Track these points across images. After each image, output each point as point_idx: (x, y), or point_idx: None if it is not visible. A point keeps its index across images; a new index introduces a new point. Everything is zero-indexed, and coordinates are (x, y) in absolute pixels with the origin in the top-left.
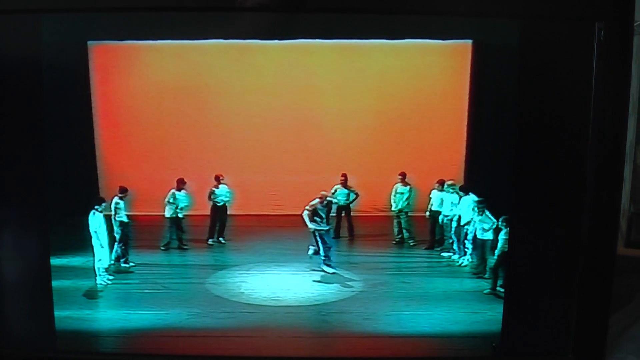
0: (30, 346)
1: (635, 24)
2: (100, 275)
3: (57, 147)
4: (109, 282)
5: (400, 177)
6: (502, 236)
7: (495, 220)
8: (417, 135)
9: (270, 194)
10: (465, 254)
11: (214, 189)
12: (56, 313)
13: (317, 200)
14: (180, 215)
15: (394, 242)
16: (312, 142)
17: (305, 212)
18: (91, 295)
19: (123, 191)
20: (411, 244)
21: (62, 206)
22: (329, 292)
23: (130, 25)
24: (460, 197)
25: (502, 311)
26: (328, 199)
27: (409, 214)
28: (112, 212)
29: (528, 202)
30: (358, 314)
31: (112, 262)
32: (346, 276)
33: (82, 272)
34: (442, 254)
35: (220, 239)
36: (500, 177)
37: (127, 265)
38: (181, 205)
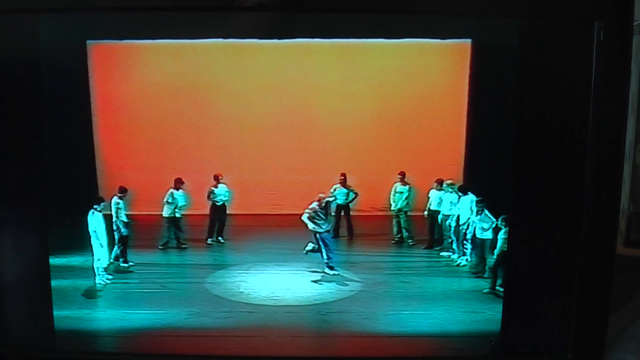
0: (29, 346)
1: (635, 24)
2: (99, 274)
3: (56, 147)
4: (108, 281)
5: (399, 176)
6: (501, 235)
7: (494, 219)
8: (416, 134)
9: (270, 194)
10: (464, 254)
11: (213, 188)
12: (55, 312)
13: (316, 203)
14: (178, 215)
15: (393, 242)
16: (311, 142)
17: (305, 215)
18: (90, 294)
19: (123, 191)
20: (410, 243)
21: (61, 206)
22: (328, 291)
23: (129, 24)
24: (460, 197)
25: (501, 311)
26: (326, 199)
27: (408, 213)
28: (114, 213)
29: (527, 201)
30: (357, 314)
31: (112, 260)
32: (345, 276)
33: (81, 271)
34: (441, 254)
35: (220, 238)
36: (499, 177)
37: (126, 265)
38: (179, 204)
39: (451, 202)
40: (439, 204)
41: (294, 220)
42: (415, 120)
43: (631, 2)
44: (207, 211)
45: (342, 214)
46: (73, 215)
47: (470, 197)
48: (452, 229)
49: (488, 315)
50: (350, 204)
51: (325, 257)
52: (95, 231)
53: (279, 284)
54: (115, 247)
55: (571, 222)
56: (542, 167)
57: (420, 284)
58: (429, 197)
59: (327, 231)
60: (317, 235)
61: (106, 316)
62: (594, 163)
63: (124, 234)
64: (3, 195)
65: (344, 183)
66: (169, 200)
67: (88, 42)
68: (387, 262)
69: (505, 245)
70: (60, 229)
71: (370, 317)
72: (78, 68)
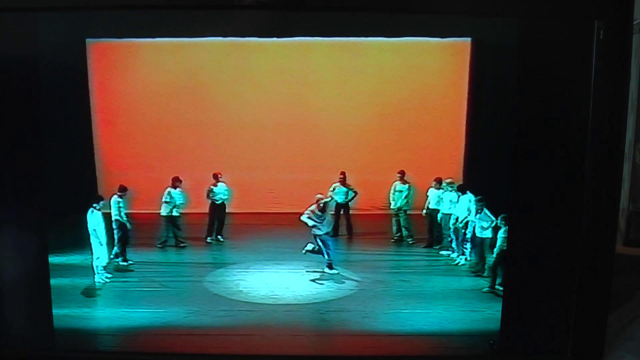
0: (28, 344)
1: (634, 23)
2: (98, 273)
3: (55, 145)
4: (107, 280)
5: (399, 175)
6: (501, 234)
7: (494, 218)
8: (416, 133)
9: (269, 192)
10: (463, 253)
11: (212, 187)
12: (54, 311)
13: (314, 206)
14: (176, 214)
15: (393, 241)
16: (311, 140)
17: (305, 216)
18: (89, 293)
19: (123, 190)
20: (410, 242)
21: (61, 204)
22: (328, 290)
23: (128, 23)
24: (459, 196)
25: (500, 310)
26: (323, 200)
27: (408, 212)
28: (117, 211)
29: (527, 200)
30: (356, 312)
31: (112, 257)
32: (345, 274)
33: (80, 270)
34: (440, 252)
35: (219, 237)
36: (499, 175)
37: (125, 264)
38: (177, 203)
39: (451, 200)
40: (438, 202)
41: (294, 219)
42: (414, 119)
43: (631, 1)
44: (206, 210)
45: (342, 212)
46: (72, 214)
47: (469, 197)
48: (452, 227)
49: (487, 314)
50: (349, 203)
51: (325, 256)
52: (94, 230)
53: (279, 282)
54: (116, 246)
55: (571, 221)
56: (542, 166)
57: (420, 283)
58: (427, 196)
59: (327, 233)
60: (317, 238)
61: (105, 315)
62: (594, 162)
63: (124, 231)
64: (2, 194)
65: (343, 182)
66: (167, 199)
67: (87, 40)
68: (387, 260)
69: (505, 244)
70: (59, 228)
71: (370, 316)
72: (77, 66)
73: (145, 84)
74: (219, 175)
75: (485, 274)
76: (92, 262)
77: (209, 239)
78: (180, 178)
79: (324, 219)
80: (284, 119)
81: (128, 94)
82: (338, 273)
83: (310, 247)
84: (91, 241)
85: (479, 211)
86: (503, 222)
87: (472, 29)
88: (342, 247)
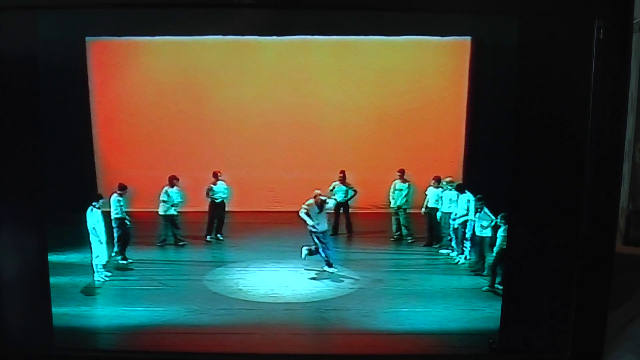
0: (28, 343)
1: (634, 22)
2: (98, 271)
3: (54, 144)
4: (107, 278)
5: (399, 173)
6: (500, 233)
7: (494, 217)
8: (415, 132)
9: (268, 191)
10: (463, 252)
11: (211, 185)
12: (54, 310)
13: (312, 200)
14: (174, 212)
15: (392, 239)
16: (310, 139)
17: (303, 211)
18: (89, 291)
19: (122, 188)
20: (409, 240)
21: (60, 203)
22: (327, 289)
23: (128, 21)
24: (458, 195)
25: (500, 308)
26: (322, 198)
27: (408, 210)
28: (116, 210)
29: (527, 199)
30: (356, 311)
31: (113, 255)
32: (344, 273)
33: (79, 268)
34: (440, 251)
35: (218, 235)
36: (499, 174)
37: (124, 262)
38: (174, 202)
39: (450, 199)
40: (437, 201)
41: (293, 218)
42: (414, 118)
43: (631, 0)
44: (206, 208)
45: (342, 211)
46: (72, 212)
47: (467, 196)
48: (451, 226)
49: (487, 313)
50: (349, 202)
51: (323, 255)
52: (94, 228)
53: (278, 281)
54: (115, 245)
55: (570, 220)
56: (542, 165)
57: (419, 282)
58: (426, 195)
59: (323, 232)
60: (314, 235)
61: (105, 313)
62: (594, 161)
63: (127, 229)
64: (2, 193)
65: (343, 180)
66: (164, 198)
67: (87, 38)
68: (386, 259)
69: (505, 243)
70: (59, 226)
71: (369, 315)
72: (77, 65)
73: (145, 83)
74: (219, 174)
75: (485, 273)
76: (91, 261)
77: (208, 238)
78: (177, 176)
79: (322, 216)
80: (283, 117)
81: (128, 93)
82: (337, 271)
83: (306, 251)
84: (90, 239)
85: (479, 210)
86: (503, 221)
87: (472, 27)
88: (342, 245)
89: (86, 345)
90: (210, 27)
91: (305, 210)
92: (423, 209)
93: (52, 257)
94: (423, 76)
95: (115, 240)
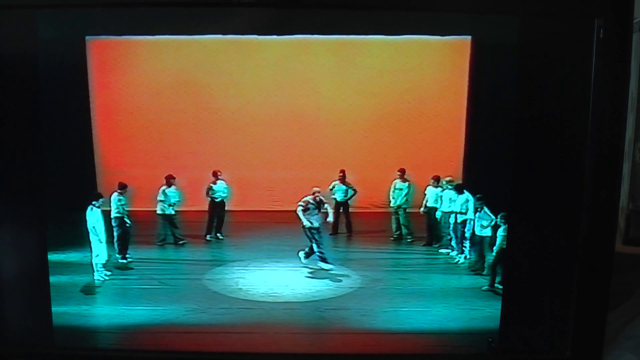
0: (27, 342)
1: (634, 22)
2: (97, 271)
3: (54, 143)
4: (107, 277)
5: (399, 173)
6: (500, 233)
7: (493, 216)
8: (415, 131)
9: (268, 190)
10: (462, 252)
11: (211, 184)
12: (53, 309)
13: (310, 197)
14: (171, 212)
15: (392, 239)
16: (310, 138)
17: (299, 208)
18: (89, 290)
19: (123, 187)
20: (409, 240)
21: (60, 202)
22: (327, 288)
23: (128, 20)
24: (457, 195)
25: (500, 308)
26: (320, 197)
27: (407, 210)
28: (116, 209)
29: (527, 199)
30: (356, 311)
31: (118, 256)
32: (344, 272)
33: (79, 267)
34: (440, 251)
35: (218, 234)
36: (499, 174)
37: (124, 261)
38: (172, 201)
39: (450, 199)
40: (436, 200)
41: (293, 217)
42: (414, 117)
43: (631, 0)
44: (205, 207)
45: (341, 210)
46: (71, 211)
47: (466, 196)
48: (451, 226)
49: (487, 313)
50: (349, 201)
51: (316, 250)
52: (93, 227)
53: (278, 280)
54: (115, 244)
55: (570, 219)
56: (542, 164)
57: (419, 281)
58: (425, 194)
59: (317, 228)
60: (308, 232)
61: (104, 312)
62: (594, 160)
63: (127, 228)
64: (1, 192)
65: (342, 180)
66: (161, 198)
67: (87, 37)
68: (386, 259)
69: (505, 243)
70: (58, 225)
71: (369, 314)
72: (77, 64)
73: (144, 82)
74: (219, 173)
75: (484, 273)
76: (91, 260)
77: (208, 237)
78: (173, 176)
79: (317, 213)
80: (283, 116)
81: (127, 92)
82: (332, 269)
83: (303, 254)
84: (90, 239)
85: (479, 209)
86: (502, 221)
87: (472, 27)
88: (342, 245)
89: (86, 345)
90: (210, 27)
91: (302, 207)
92: (422, 209)
93: (52, 256)
94: (423, 75)
95: (115, 239)
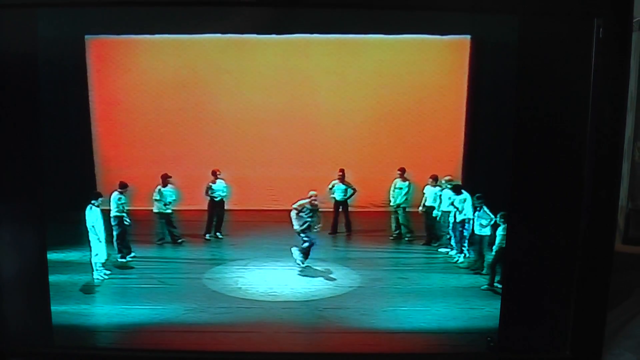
0: (26, 341)
1: (634, 21)
2: (97, 270)
3: (53, 142)
4: (106, 277)
5: (399, 172)
6: (500, 232)
7: (493, 216)
8: (415, 130)
9: (268, 189)
10: (462, 251)
11: (211, 184)
12: (53, 308)
13: (307, 200)
14: (168, 211)
15: (392, 238)
16: (310, 137)
17: (293, 212)
18: (88, 290)
19: (123, 186)
20: (407, 238)
21: (59, 201)
22: (326, 287)
23: (127, 19)
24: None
25: (499, 307)
26: (315, 201)
27: (407, 209)
28: (116, 208)
29: (526, 198)
30: (355, 310)
31: (116, 253)
32: (343, 272)
33: (79, 266)
34: (439, 250)
35: (218, 234)
36: (498, 173)
37: (124, 260)
38: (168, 200)
39: (449, 198)
40: (434, 200)
41: None
42: (414, 116)
43: None
44: (205, 207)
45: (341, 210)
46: (71, 211)
47: (464, 196)
48: (450, 225)
49: (486, 312)
50: (348, 200)
51: (301, 245)
52: (93, 226)
53: (277, 279)
54: (115, 243)
55: (570, 219)
56: (541, 163)
57: (418, 280)
58: (424, 193)
59: (308, 228)
60: (300, 234)
61: (104, 311)
62: (593, 160)
63: (126, 227)
64: (1, 191)
65: (342, 179)
66: (157, 197)
67: (86, 37)
68: (385, 258)
69: (504, 242)
70: (58, 224)
71: (368, 314)
72: (76, 63)
73: (144, 81)
74: (218, 172)
75: (484, 272)
76: (90, 259)
77: (207, 236)
78: (169, 175)
79: (311, 218)
80: (283, 116)
81: (127, 91)
82: (308, 267)
83: (301, 257)
84: (90, 238)
85: (478, 209)
86: (502, 220)
87: (471, 26)
88: (341, 244)
89: (85, 343)
90: (209, 26)
91: (296, 212)
92: (421, 208)
93: (51, 255)
94: (423, 75)
95: (115, 238)
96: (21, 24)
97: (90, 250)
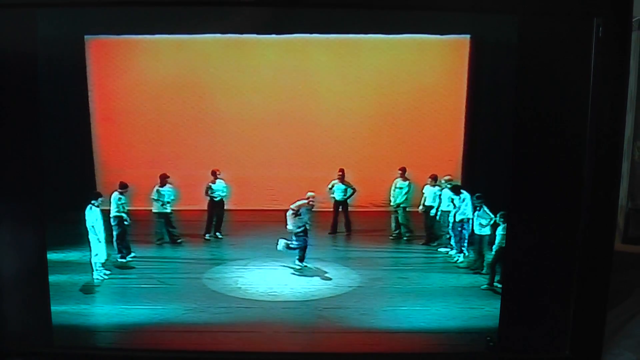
0: (26, 341)
1: (634, 20)
2: (97, 270)
3: (53, 142)
4: (106, 277)
5: (400, 172)
6: (499, 232)
7: (493, 215)
8: (414, 130)
9: (268, 189)
10: (461, 251)
11: (210, 184)
12: (53, 308)
13: (304, 201)
14: (167, 211)
15: (391, 238)
16: (310, 137)
17: (290, 212)
18: (88, 290)
19: (123, 186)
20: (406, 236)
21: (59, 201)
22: (326, 287)
23: (127, 19)
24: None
25: (499, 307)
26: (312, 202)
27: (407, 209)
28: (116, 208)
29: (526, 198)
30: (355, 310)
31: (115, 253)
32: (343, 271)
33: (78, 267)
34: (439, 250)
35: (217, 233)
36: (498, 173)
37: (123, 260)
38: (166, 199)
39: (449, 197)
40: (434, 199)
41: None
42: (413, 116)
43: None
44: (205, 207)
45: (340, 209)
46: (71, 211)
47: (463, 196)
48: (450, 225)
49: (486, 312)
50: (348, 200)
51: (294, 245)
52: (93, 226)
53: (277, 279)
54: (114, 243)
55: (569, 218)
56: (541, 163)
57: (418, 280)
58: (423, 193)
59: (302, 231)
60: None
61: (104, 311)
62: (593, 159)
63: (126, 227)
64: (1, 191)
65: (342, 179)
66: (155, 197)
67: (86, 37)
68: (385, 258)
69: (504, 242)
70: (57, 224)
71: (368, 313)
72: (76, 63)
73: (143, 81)
74: (218, 172)
75: (483, 271)
76: (90, 259)
77: (207, 236)
78: (167, 174)
79: (307, 219)
80: (282, 116)
81: (127, 91)
82: (305, 267)
83: (299, 261)
84: (89, 238)
85: (478, 208)
86: (502, 220)
87: (471, 26)
88: (341, 244)
89: (85, 343)
90: (209, 26)
91: (293, 212)
92: (420, 207)
93: (51, 255)
94: (422, 74)
95: (114, 238)
96: (21, 24)
97: (90, 251)
